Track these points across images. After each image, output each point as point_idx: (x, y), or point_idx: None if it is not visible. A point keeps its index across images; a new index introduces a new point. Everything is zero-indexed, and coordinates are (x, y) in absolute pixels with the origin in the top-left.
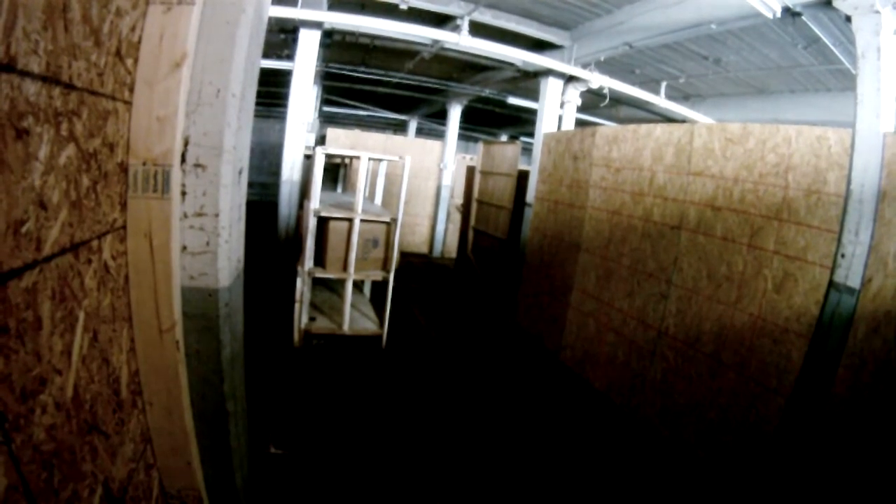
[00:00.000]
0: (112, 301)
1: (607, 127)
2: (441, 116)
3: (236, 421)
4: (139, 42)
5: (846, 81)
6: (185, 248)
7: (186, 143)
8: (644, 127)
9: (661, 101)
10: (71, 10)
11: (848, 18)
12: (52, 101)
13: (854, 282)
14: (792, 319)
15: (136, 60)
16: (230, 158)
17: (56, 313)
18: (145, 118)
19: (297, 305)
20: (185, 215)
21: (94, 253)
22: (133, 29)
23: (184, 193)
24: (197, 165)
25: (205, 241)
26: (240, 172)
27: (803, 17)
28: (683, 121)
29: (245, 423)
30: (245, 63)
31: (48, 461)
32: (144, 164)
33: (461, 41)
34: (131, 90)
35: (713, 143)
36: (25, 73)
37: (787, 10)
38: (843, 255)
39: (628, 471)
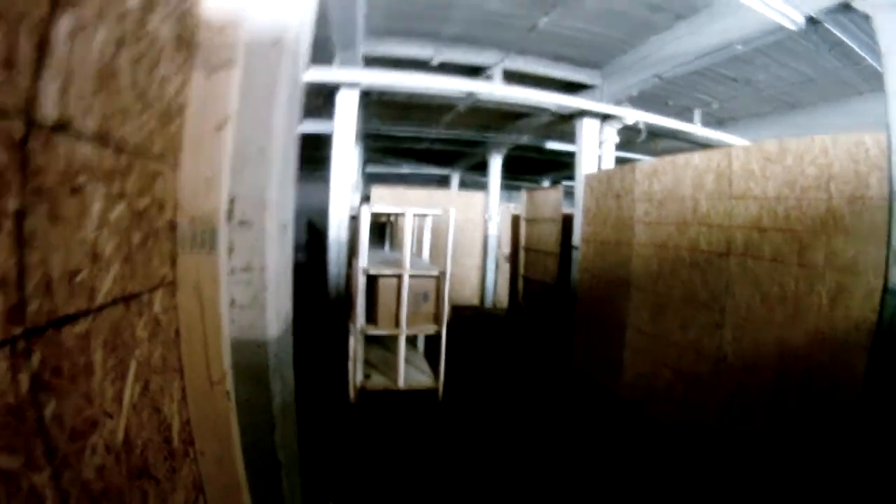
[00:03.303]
0: (163, 353)
1: (646, 161)
2: (482, 168)
3: (289, 471)
4: (184, 106)
5: (875, 82)
6: (233, 301)
7: (232, 201)
8: (682, 157)
9: (696, 128)
10: (120, 75)
11: (868, 17)
12: (104, 160)
13: None
14: (851, 331)
15: (181, 123)
16: (274, 214)
17: (108, 361)
18: (192, 178)
19: (350, 363)
20: (233, 270)
21: (145, 306)
22: (178, 94)
23: (231, 249)
24: (242, 222)
25: (252, 294)
26: (285, 227)
27: (825, 24)
28: (720, 146)
29: (298, 475)
30: (284, 122)
31: (97, 499)
32: (192, 222)
33: (494, 90)
34: (178, 151)
35: (752, 164)
36: (79, 134)
37: (809, 20)
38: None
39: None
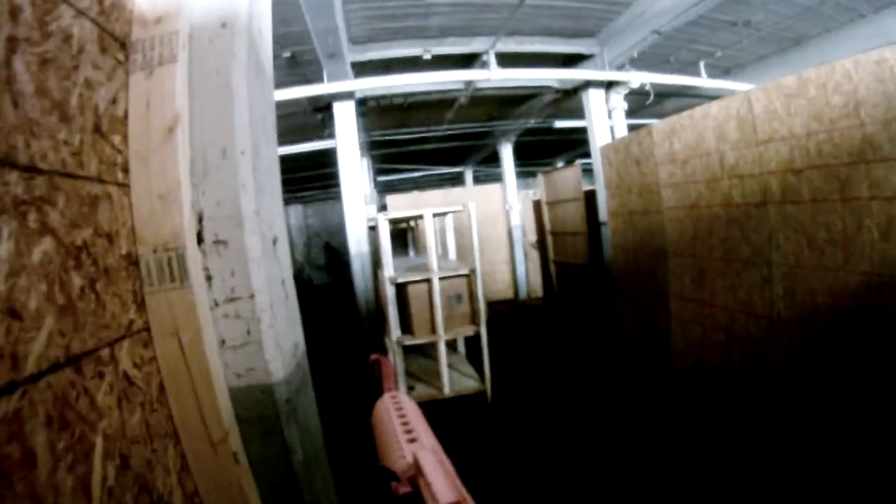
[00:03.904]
0: (143, 417)
1: (662, 121)
2: (494, 159)
3: None
4: (125, 116)
5: (877, 1)
6: (223, 341)
7: (200, 219)
8: (699, 109)
9: (703, 81)
10: (18, 81)
11: None
12: (9, 187)
13: None
14: None
15: (124, 137)
16: (254, 227)
17: (57, 443)
18: (146, 198)
19: None
20: (216, 303)
21: (105, 364)
22: (114, 102)
23: (209, 278)
24: (217, 242)
25: (244, 329)
26: (274, 242)
27: None
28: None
29: None
30: (250, 114)
31: None
32: (155, 251)
33: (492, 75)
34: (125, 170)
35: (774, 104)
36: None
37: None
38: None
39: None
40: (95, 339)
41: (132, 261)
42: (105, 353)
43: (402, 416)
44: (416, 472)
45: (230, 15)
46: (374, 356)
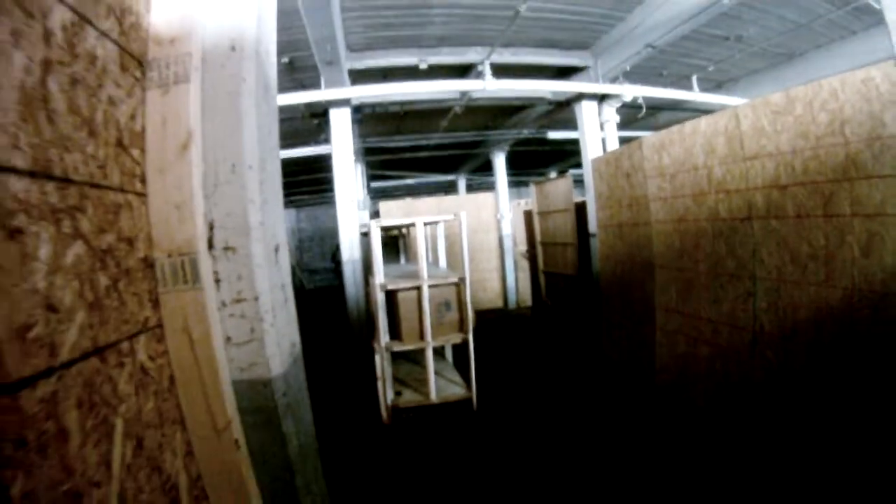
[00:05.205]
0: (156, 404)
1: (652, 135)
2: (487, 168)
3: None
4: (143, 130)
5: (869, 18)
6: (228, 338)
7: (211, 227)
8: (688, 124)
9: (695, 95)
10: (53, 100)
11: None
12: (47, 196)
13: None
14: (888, 280)
15: (142, 150)
16: (260, 236)
17: (86, 422)
18: (163, 208)
19: (379, 383)
20: (224, 304)
21: (125, 355)
22: (133, 117)
23: (218, 281)
24: (226, 248)
25: (248, 328)
26: (276, 250)
27: None
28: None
29: None
30: (258, 132)
31: None
32: (170, 255)
33: (486, 86)
34: (143, 181)
35: (761, 121)
36: (7, 169)
37: None
38: None
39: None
40: (118, 333)
41: (148, 263)
42: (125, 345)
43: None
44: None
45: (239, 38)
46: None
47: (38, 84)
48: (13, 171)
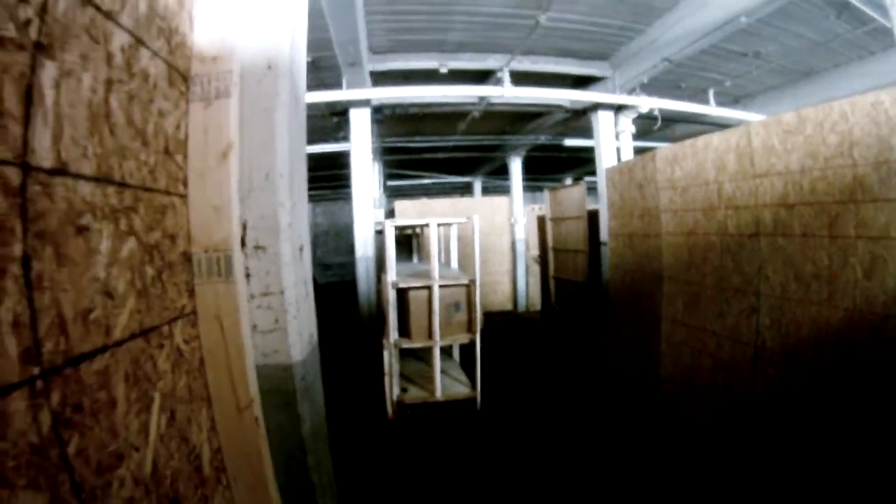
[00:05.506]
0: (188, 382)
1: (665, 147)
2: (503, 172)
3: (323, 492)
4: (186, 138)
5: (886, 39)
6: (255, 327)
7: (245, 228)
8: (701, 139)
9: (712, 109)
10: (114, 115)
11: None
12: (108, 198)
13: None
14: (890, 303)
15: (185, 156)
16: (288, 237)
17: (130, 394)
18: (202, 208)
19: (386, 378)
20: (252, 296)
21: (165, 338)
22: (178, 127)
23: (248, 275)
24: (257, 247)
25: (273, 318)
26: (300, 249)
27: None
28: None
29: (333, 495)
30: (289, 144)
31: None
32: (206, 251)
33: (505, 93)
34: (185, 184)
35: (772, 140)
36: (78, 176)
37: None
38: None
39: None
40: (160, 318)
41: (187, 258)
42: (165, 329)
43: None
44: None
45: (275, 58)
46: None
47: (102, 101)
48: (82, 177)
